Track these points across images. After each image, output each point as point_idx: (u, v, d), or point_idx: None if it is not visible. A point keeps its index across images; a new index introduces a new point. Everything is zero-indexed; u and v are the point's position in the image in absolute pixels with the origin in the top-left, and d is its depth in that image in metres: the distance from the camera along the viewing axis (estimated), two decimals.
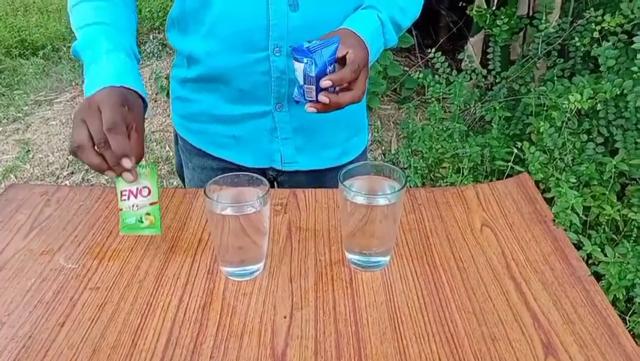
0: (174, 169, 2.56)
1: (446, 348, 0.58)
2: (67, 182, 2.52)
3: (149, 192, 0.68)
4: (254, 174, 0.68)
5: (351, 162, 0.97)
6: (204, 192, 0.63)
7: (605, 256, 1.41)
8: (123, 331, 0.59)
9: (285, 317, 0.61)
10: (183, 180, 1.06)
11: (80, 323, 0.60)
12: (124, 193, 0.67)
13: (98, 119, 0.64)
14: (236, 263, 0.67)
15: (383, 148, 2.45)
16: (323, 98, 0.69)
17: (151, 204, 0.68)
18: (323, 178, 0.96)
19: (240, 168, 0.92)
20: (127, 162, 0.64)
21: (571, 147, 1.67)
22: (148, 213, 0.68)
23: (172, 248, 0.73)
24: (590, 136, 1.71)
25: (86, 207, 0.81)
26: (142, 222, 0.67)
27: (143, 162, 0.69)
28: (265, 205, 0.64)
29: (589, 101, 1.57)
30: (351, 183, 0.67)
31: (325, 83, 0.68)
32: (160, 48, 3.77)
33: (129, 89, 0.70)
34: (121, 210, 0.67)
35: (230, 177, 0.68)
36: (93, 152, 0.64)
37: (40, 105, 3.29)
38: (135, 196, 0.67)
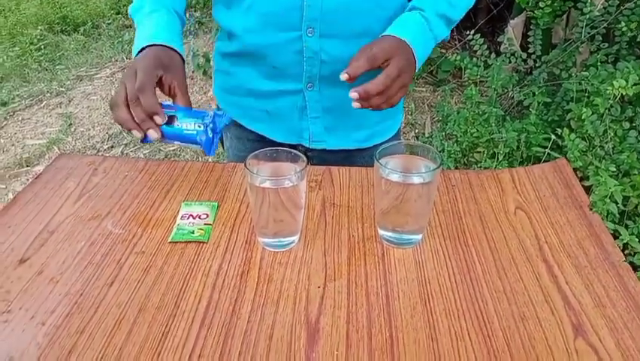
0: None
1: (475, 325, 0.59)
2: (108, 155, 2.61)
3: (207, 217, 0.75)
4: (292, 150, 0.70)
5: (380, 144, 0.99)
6: (245, 165, 0.66)
7: None
8: (167, 293, 0.63)
9: (318, 287, 0.64)
10: (223, 147, 1.11)
11: (127, 283, 0.64)
12: (184, 216, 0.75)
13: (133, 81, 0.72)
14: (273, 234, 0.69)
15: (416, 131, 2.44)
16: (352, 93, 0.74)
17: (205, 224, 0.74)
18: (352, 158, 0.97)
19: (272, 142, 0.95)
20: (158, 119, 0.72)
21: (612, 134, 1.62)
22: (200, 229, 0.73)
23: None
24: (633, 124, 1.66)
25: (131, 178, 0.85)
26: (193, 233, 0.72)
27: (213, 201, 0.78)
28: (302, 180, 0.66)
29: (634, 87, 1.52)
30: (386, 162, 0.68)
31: (343, 76, 0.74)
32: (197, 27, 3.81)
33: (165, 47, 0.78)
34: (177, 225, 0.73)
35: (269, 151, 0.70)
36: (125, 109, 0.72)
37: (81, 80, 3.39)
38: (194, 218, 0.74)
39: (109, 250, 0.69)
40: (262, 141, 0.96)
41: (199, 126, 0.74)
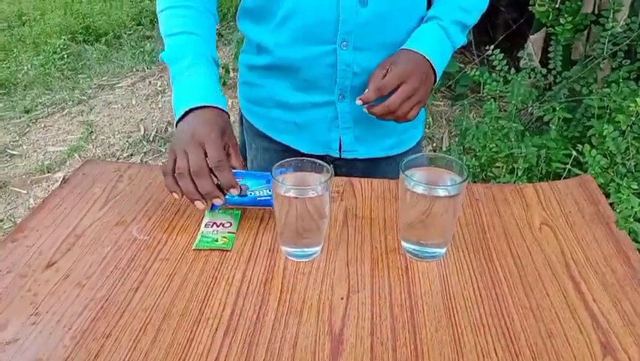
0: None
1: (502, 341, 0.58)
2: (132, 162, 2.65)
3: (231, 225, 0.76)
4: (317, 160, 0.70)
5: (405, 153, 1.00)
6: (270, 174, 0.66)
7: None
8: (191, 300, 0.63)
9: (342, 298, 0.64)
10: (245, 160, 1.11)
11: (152, 289, 0.64)
12: (208, 224, 0.75)
13: (197, 152, 0.71)
14: (297, 244, 0.69)
15: (434, 145, 2.43)
16: (359, 101, 0.80)
17: (229, 232, 0.74)
18: (377, 167, 0.98)
19: (299, 153, 0.95)
20: (234, 191, 0.72)
21: (634, 152, 1.60)
22: (224, 237, 0.73)
23: None
24: None
25: (155, 185, 0.86)
26: (217, 241, 0.73)
27: (236, 210, 0.78)
28: (327, 190, 0.67)
29: None
30: (412, 174, 0.68)
31: (358, 102, 0.80)
32: (217, 38, 3.86)
33: (216, 108, 0.77)
34: (201, 232, 0.74)
35: (294, 161, 0.70)
36: (189, 181, 0.71)
37: (102, 89, 3.45)
38: (218, 226, 0.75)
39: (134, 256, 0.70)
40: (288, 152, 0.96)
41: (269, 190, 0.74)
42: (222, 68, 3.12)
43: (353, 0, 0.80)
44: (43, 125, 3.02)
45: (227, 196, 0.76)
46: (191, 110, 0.76)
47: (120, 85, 3.48)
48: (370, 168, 0.97)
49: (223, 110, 0.78)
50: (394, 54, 0.82)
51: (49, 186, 2.50)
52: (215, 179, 0.72)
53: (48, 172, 2.59)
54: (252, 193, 0.75)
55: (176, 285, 0.65)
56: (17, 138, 2.91)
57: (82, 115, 3.11)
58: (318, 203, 0.67)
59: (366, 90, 0.80)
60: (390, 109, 0.79)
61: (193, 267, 0.68)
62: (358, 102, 0.80)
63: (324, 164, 0.69)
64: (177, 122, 0.77)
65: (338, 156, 0.95)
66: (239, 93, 1.04)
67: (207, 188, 0.70)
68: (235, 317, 0.61)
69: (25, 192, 2.46)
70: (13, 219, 2.26)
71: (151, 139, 2.81)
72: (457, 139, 2.26)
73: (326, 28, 0.82)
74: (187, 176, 0.71)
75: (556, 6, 2.24)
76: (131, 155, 2.69)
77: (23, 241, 0.73)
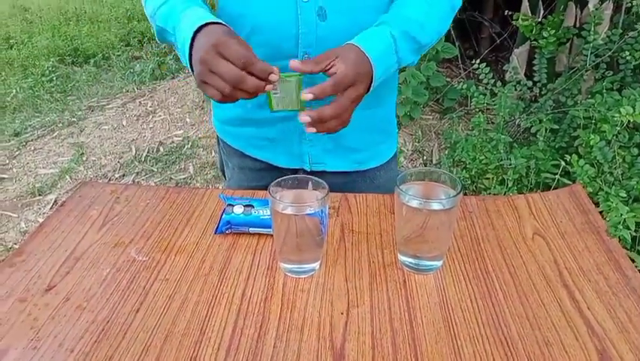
0: (220, 173, 2.64)
1: (500, 350, 0.59)
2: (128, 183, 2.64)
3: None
4: (314, 177, 0.71)
5: (379, 168, 1.01)
6: (268, 191, 0.67)
7: None
8: (192, 319, 0.63)
9: (342, 313, 0.64)
10: (225, 178, 1.13)
11: (152, 310, 0.65)
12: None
13: (225, 63, 0.68)
14: (295, 260, 0.70)
15: (425, 158, 2.46)
16: (304, 117, 0.73)
17: None
18: (352, 182, 0.99)
19: (275, 168, 0.97)
20: (274, 77, 0.71)
21: (621, 160, 1.64)
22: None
23: (233, 245, 0.77)
24: None
25: (152, 205, 0.87)
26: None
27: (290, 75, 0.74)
28: (324, 206, 0.68)
29: None
30: (407, 188, 0.69)
31: (307, 96, 0.72)
32: None
33: (215, 23, 0.73)
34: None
35: (291, 179, 0.71)
36: (238, 90, 0.69)
37: (92, 110, 3.45)
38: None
39: (134, 277, 0.70)
40: (264, 170, 0.98)
41: None
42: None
43: (312, 14, 0.82)
44: (33, 148, 3.01)
45: (231, 215, 0.77)
46: (193, 40, 0.73)
47: (110, 106, 3.48)
48: (345, 183, 0.97)
49: (222, 23, 0.75)
50: (341, 48, 0.76)
51: (40, 208, 2.48)
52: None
53: (39, 195, 2.57)
54: (257, 212, 0.77)
55: (176, 305, 0.66)
56: (7, 162, 2.89)
57: (72, 137, 3.10)
58: (316, 219, 0.68)
59: (319, 85, 0.72)
60: (339, 112, 0.73)
61: (193, 286, 0.69)
62: (309, 96, 0.72)
63: (321, 180, 0.71)
64: (189, 61, 0.75)
65: (309, 169, 0.97)
66: (212, 115, 1.05)
67: (253, 85, 0.69)
68: (237, 336, 0.61)
69: (16, 215, 2.44)
70: (4, 243, 2.23)
71: (142, 159, 2.81)
72: (446, 152, 2.29)
73: (287, 42, 0.83)
74: (231, 89, 0.69)
75: (539, 20, 2.30)
76: (123, 175, 2.68)
77: (21, 265, 0.73)
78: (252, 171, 1.01)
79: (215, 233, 0.79)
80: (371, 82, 0.77)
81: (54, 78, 3.92)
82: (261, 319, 0.64)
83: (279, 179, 0.71)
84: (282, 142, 0.95)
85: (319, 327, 0.62)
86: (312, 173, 0.97)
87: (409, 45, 0.81)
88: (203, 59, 0.69)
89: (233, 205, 0.79)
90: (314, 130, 0.75)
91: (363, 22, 0.82)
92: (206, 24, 0.73)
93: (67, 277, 0.71)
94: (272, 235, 0.75)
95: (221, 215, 0.80)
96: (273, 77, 0.71)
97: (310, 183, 0.71)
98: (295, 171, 0.98)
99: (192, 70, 0.74)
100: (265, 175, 0.72)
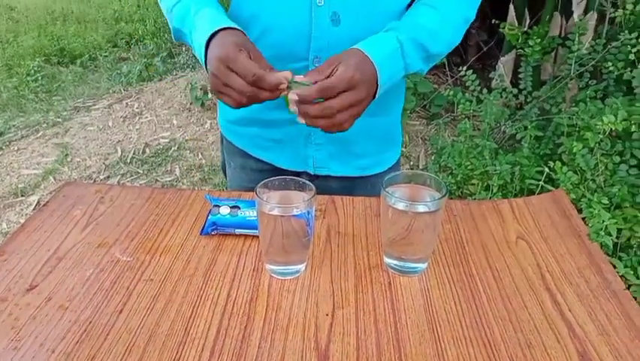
0: (207, 175, 2.63)
1: (483, 352, 0.60)
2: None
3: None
4: (301, 179, 0.71)
5: (382, 174, 1.01)
6: (255, 193, 0.67)
7: (638, 278, 1.40)
8: (176, 320, 0.63)
9: (327, 315, 0.64)
10: (226, 177, 1.12)
11: (136, 311, 0.64)
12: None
13: (236, 77, 0.70)
14: (281, 262, 0.70)
15: (411, 163, 2.47)
16: (293, 108, 0.72)
17: None
18: (354, 186, 0.99)
19: (278, 170, 0.97)
20: (283, 86, 0.71)
21: (603, 168, 1.67)
22: None
23: (219, 246, 0.76)
24: (623, 158, 1.71)
25: (137, 206, 0.86)
26: None
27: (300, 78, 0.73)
28: (311, 208, 0.68)
29: (622, 122, 1.57)
30: (393, 191, 0.70)
31: (292, 96, 0.71)
32: (195, 60, 3.88)
33: (228, 29, 0.75)
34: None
35: (278, 180, 0.71)
36: (256, 97, 0.71)
37: (78, 111, 3.41)
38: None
39: (117, 278, 0.70)
40: (266, 171, 0.98)
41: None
42: (201, 89, 3.13)
43: (326, 19, 0.82)
44: (16, 148, 2.97)
45: (217, 216, 0.77)
46: (208, 45, 0.75)
47: (96, 107, 3.45)
48: (347, 187, 0.98)
49: (234, 29, 0.76)
50: (344, 53, 0.75)
51: (22, 210, 2.44)
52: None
53: (22, 196, 2.54)
54: (243, 214, 0.77)
55: (160, 306, 0.65)
56: None
57: (57, 137, 3.07)
58: (303, 221, 0.68)
59: (307, 87, 0.71)
60: (327, 113, 0.71)
61: (177, 287, 0.68)
62: (293, 96, 0.71)
63: (308, 182, 0.71)
64: (206, 65, 0.77)
65: (313, 172, 0.97)
66: (218, 114, 1.05)
67: (265, 98, 0.71)
68: (221, 337, 0.61)
69: None
70: None
71: (128, 161, 2.78)
72: (433, 157, 2.31)
73: (298, 45, 0.84)
74: (246, 99, 0.71)
75: (525, 29, 2.33)
76: (108, 177, 2.66)
77: (3, 264, 0.72)
78: (254, 171, 1.00)
79: (200, 234, 0.78)
80: (377, 86, 0.75)
81: (39, 78, 3.87)
82: (246, 320, 0.63)
83: (266, 180, 0.71)
84: (288, 144, 0.95)
85: (304, 328, 0.62)
86: (316, 177, 0.98)
87: (418, 52, 0.80)
88: (214, 73, 0.72)
89: (219, 206, 0.79)
90: (303, 121, 0.73)
91: (377, 29, 0.80)
92: (219, 30, 0.75)
93: (50, 277, 0.70)
94: (258, 237, 0.74)
95: (207, 216, 0.80)
96: (282, 87, 0.71)
97: (296, 184, 0.71)
98: (298, 174, 0.98)
99: None
100: (267, 176, 0.71)
